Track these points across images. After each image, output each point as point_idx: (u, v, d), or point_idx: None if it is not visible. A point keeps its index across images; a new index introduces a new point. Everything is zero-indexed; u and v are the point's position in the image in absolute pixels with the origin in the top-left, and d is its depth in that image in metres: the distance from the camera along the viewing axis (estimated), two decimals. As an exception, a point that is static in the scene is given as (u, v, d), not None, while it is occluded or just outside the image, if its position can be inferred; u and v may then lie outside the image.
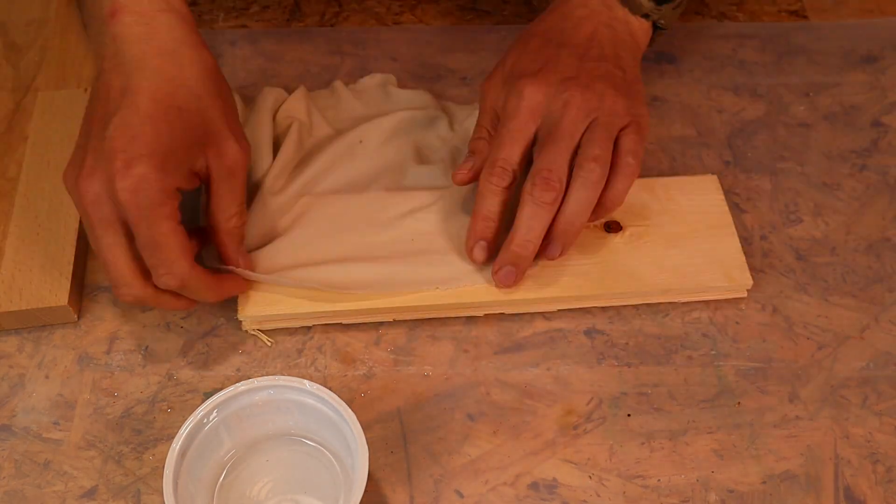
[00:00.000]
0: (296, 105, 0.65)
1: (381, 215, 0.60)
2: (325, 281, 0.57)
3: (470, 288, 0.57)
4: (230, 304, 0.58)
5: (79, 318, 0.58)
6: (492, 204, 0.56)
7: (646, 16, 0.60)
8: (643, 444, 0.54)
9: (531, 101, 0.56)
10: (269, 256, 0.58)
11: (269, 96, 0.65)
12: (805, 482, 0.52)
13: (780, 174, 0.66)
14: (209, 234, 0.55)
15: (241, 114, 0.65)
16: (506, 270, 0.56)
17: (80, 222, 0.59)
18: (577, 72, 0.56)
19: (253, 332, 0.57)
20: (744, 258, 0.59)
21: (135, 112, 0.49)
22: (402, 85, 0.69)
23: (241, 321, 0.57)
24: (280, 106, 0.65)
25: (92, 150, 0.50)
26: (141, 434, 0.53)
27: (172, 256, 0.50)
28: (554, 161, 0.54)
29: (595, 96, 0.55)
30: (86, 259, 0.60)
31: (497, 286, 0.57)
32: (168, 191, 0.49)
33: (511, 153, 0.56)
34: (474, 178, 0.59)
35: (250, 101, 0.66)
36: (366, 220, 0.60)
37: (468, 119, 0.65)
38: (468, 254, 0.57)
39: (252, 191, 0.60)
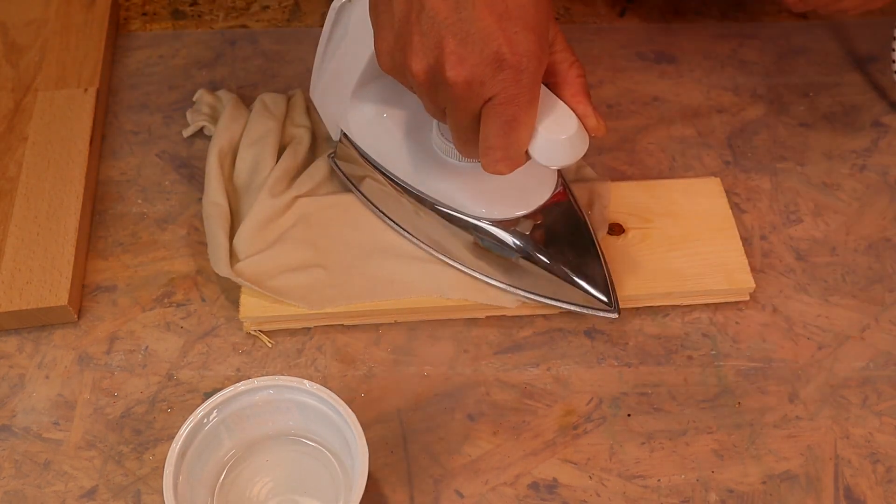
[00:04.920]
0: (299, 113, 0.65)
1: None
2: (326, 292, 0.57)
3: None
4: (230, 305, 0.58)
5: (79, 318, 0.58)
6: None
7: None
8: (643, 444, 0.54)
9: None
10: (268, 258, 0.58)
11: (270, 100, 0.65)
12: (805, 482, 0.52)
13: (780, 174, 0.66)
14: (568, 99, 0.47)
15: (241, 115, 0.65)
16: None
17: (79, 222, 0.59)
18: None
19: (254, 333, 0.57)
20: (746, 262, 0.59)
21: None
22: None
23: (241, 321, 0.57)
24: (283, 112, 0.65)
25: (419, 29, 0.43)
26: (141, 434, 0.53)
27: (522, 142, 0.45)
28: None
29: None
30: (86, 259, 0.60)
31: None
32: (543, 66, 0.44)
33: None
34: None
35: (250, 101, 0.66)
36: (364, 220, 0.60)
37: None
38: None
39: (253, 193, 0.60)
